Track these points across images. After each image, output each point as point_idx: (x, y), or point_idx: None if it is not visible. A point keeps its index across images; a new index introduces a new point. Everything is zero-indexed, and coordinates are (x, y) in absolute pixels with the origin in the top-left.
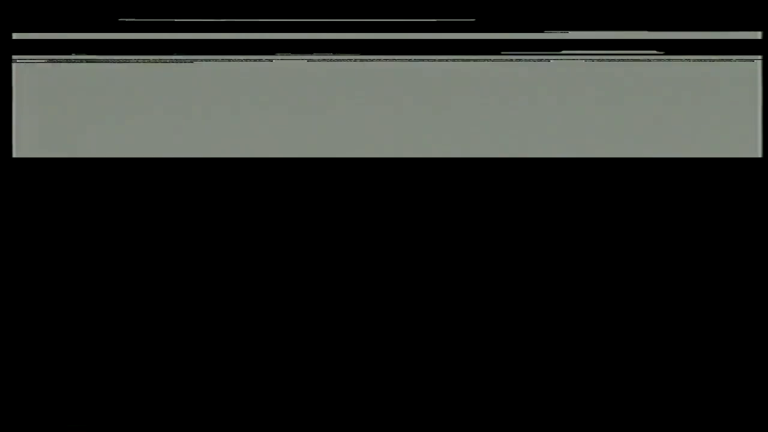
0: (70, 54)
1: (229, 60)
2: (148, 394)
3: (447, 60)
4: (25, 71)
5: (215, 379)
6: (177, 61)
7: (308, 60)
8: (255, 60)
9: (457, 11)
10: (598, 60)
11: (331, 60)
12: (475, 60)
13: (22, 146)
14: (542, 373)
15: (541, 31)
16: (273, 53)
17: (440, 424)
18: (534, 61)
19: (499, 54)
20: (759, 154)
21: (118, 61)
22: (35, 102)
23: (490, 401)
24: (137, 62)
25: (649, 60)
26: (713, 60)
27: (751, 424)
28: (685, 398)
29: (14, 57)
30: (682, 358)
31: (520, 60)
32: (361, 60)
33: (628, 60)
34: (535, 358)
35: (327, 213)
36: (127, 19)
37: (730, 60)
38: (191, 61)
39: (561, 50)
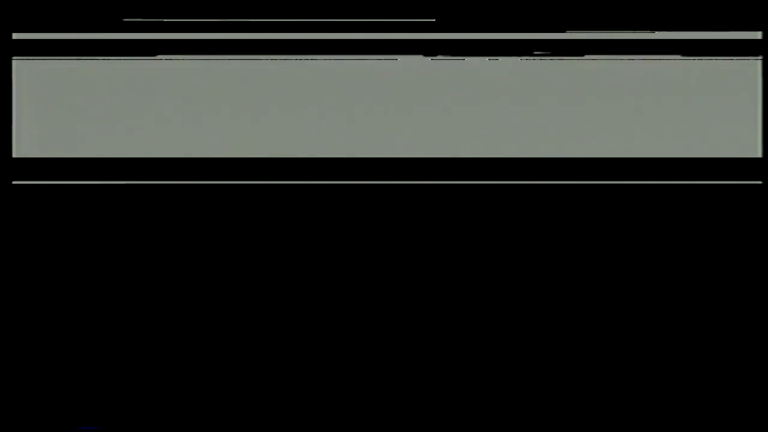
0: (70, 54)
1: (229, 60)
2: (143, 397)
3: (447, 60)
4: (25, 71)
5: (208, 389)
6: (177, 61)
7: (310, 60)
8: (255, 60)
9: (460, 11)
10: (598, 60)
11: (329, 60)
12: (473, 60)
13: (22, 146)
14: (542, 377)
15: (542, 31)
16: (274, 53)
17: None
18: (535, 60)
19: (499, 54)
20: (759, 154)
21: (118, 61)
22: (35, 102)
23: (492, 407)
24: (137, 62)
25: (649, 60)
26: (713, 60)
27: (751, 430)
28: (686, 404)
29: (14, 57)
30: (676, 354)
31: (520, 60)
32: (362, 59)
33: (627, 60)
34: (533, 357)
35: (325, 213)
36: (127, 19)
37: (730, 60)
38: (191, 61)
39: (561, 50)
